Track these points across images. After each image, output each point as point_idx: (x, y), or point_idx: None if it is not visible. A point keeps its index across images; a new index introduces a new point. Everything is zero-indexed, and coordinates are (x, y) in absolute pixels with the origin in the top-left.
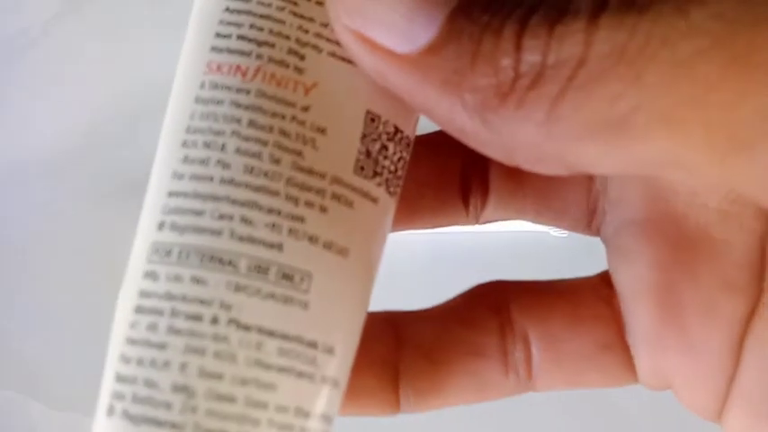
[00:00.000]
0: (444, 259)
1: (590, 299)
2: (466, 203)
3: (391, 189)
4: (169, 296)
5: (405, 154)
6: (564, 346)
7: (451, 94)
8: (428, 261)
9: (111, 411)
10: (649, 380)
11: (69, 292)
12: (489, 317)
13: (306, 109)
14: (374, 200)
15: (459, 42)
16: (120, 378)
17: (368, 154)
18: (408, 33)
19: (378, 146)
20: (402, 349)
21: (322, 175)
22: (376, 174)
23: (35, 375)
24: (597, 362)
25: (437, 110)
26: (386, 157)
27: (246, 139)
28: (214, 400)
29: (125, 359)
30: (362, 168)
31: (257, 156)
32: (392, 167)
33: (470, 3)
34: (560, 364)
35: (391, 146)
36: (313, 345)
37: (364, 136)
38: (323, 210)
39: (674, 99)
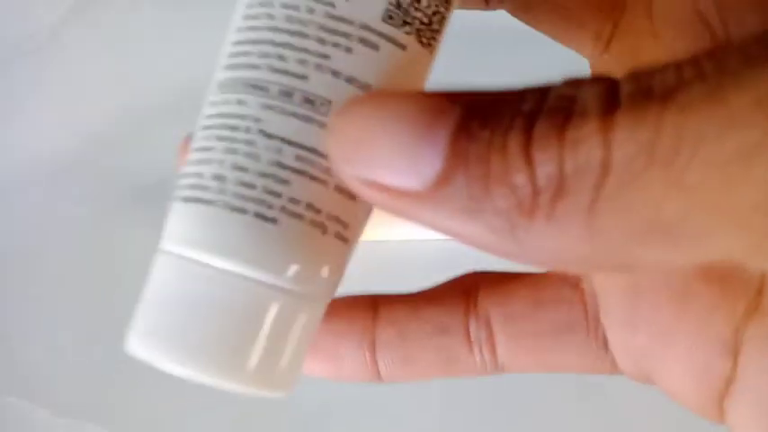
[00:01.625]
0: (447, 264)
1: (555, 283)
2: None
3: (423, 40)
4: (221, 114)
5: (441, 9)
6: (522, 326)
7: (475, 220)
8: (430, 265)
9: (175, 197)
10: (626, 366)
11: (72, 299)
12: (457, 299)
13: None
14: (402, 46)
15: (467, 168)
16: (183, 174)
17: (398, 5)
18: (414, 170)
19: None
20: (378, 326)
21: (351, 22)
22: (405, 23)
23: (38, 382)
24: (557, 341)
25: (466, 237)
26: (417, 9)
27: None
28: (239, 185)
29: (191, 162)
30: (391, 17)
31: (296, 7)
32: (425, 19)
33: (469, 118)
34: (519, 342)
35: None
36: (326, 158)
37: None
38: (348, 50)
39: (732, 203)
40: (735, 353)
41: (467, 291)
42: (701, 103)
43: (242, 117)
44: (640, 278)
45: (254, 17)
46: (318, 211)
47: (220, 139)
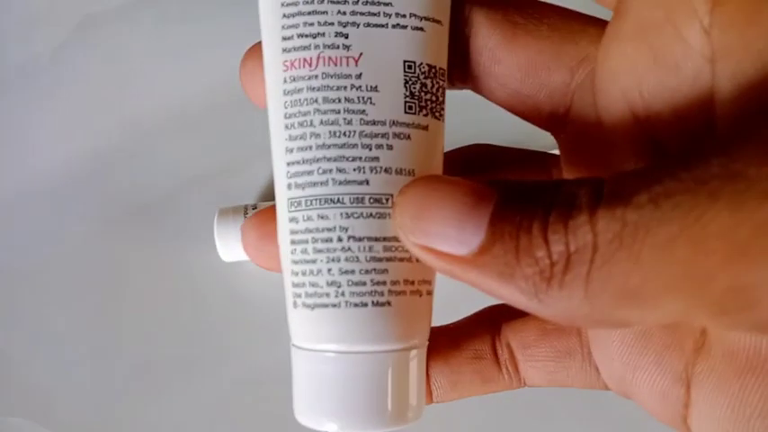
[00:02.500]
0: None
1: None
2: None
3: (437, 114)
4: (308, 231)
5: (441, 82)
6: (534, 352)
7: (508, 283)
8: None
9: (295, 304)
10: (612, 386)
11: (76, 318)
12: (485, 329)
13: (359, 76)
14: (425, 128)
15: (503, 242)
16: (295, 285)
17: (412, 95)
18: (462, 241)
19: (418, 86)
20: (430, 354)
21: (383, 123)
22: (422, 108)
23: (43, 402)
24: (560, 365)
25: (501, 295)
26: (426, 92)
27: (325, 112)
28: (353, 286)
29: (294, 273)
30: (410, 108)
31: (335, 122)
32: (433, 98)
33: (505, 204)
34: (533, 364)
35: (429, 82)
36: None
37: (406, 82)
38: (389, 147)
39: (667, 275)
40: (687, 383)
41: (492, 322)
42: (646, 205)
43: (330, 229)
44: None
45: (301, 137)
46: (413, 283)
47: (319, 251)
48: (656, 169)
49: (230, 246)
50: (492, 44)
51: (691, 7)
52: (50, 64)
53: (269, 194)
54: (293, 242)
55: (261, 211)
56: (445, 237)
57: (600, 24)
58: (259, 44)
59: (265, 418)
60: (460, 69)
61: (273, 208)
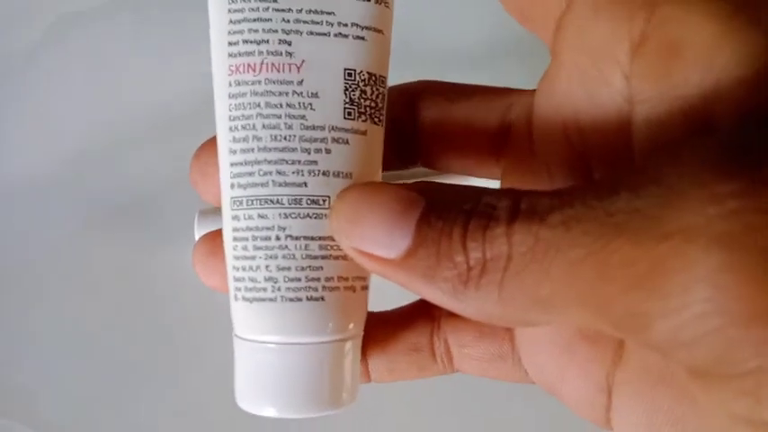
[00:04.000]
0: None
1: None
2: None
3: (376, 119)
4: (248, 228)
5: (381, 89)
6: (470, 351)
7: (431, 284)
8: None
9: (235, 297)
10: (543, 386)
11: (58, 318)
12: (424, 322)
13: (301, 83)
14: (363, 133)
15: (426, 246)
16: (236, 279)
17: (351, 101)
18: (391, 245)
19: (358, 93)
20: (367, 344)
21: (322, 128)
22: (361, 114)
23: (27, 402)
24: (492, 365)
25: (425, 295)
26: (366, 99)
27: (267, 116)
28: (289, 282)
29: (235, 268)
30: (350, 114)
31: (276, 126)
32: (373, 104)
33: (429, 210)
34: (468, 361)
35: (369, 89)
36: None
37: (346, 89)
38: (328, 151)
39: (573, 291)
40: (608, 391)
41: (431, 313)
42: (559, 226)
43: (269, 228)
44: (539, 335)
45: (244, 140)
46: (347, 279)
47: (258, 248)
48: (570, 193)
49: None
50: (436, 115)
51: (614, 57)
52: (26, 64)
53: None
54: (235, 239)
55: (212, 232)
56: (376, 241)
57: (521, 91)
58: (213, 139)
59: (243, 416)
60: (411, 152)
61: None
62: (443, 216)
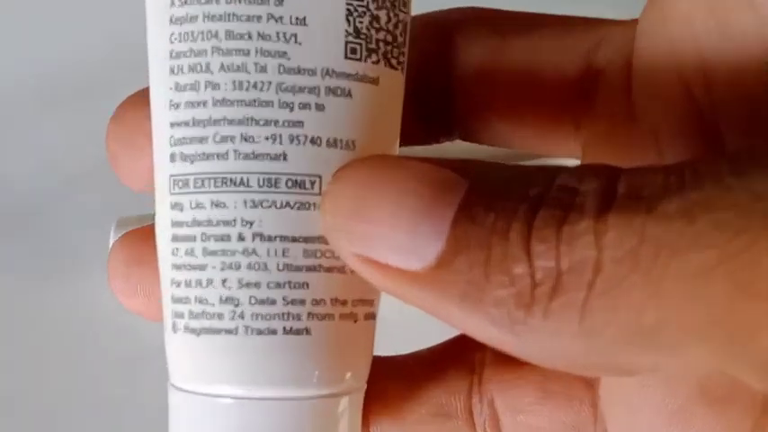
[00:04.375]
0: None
1: (567, 375)
2: None
3: (393, 61)
4: (196, 222)
5: (402, 15)
6: (528, 420)
7: (474, 309)
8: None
9: (175, 328)
10: None
11: None
12: (460, 375)
13: (280, 2)
14: (374, 81)
15: (468, 252)
16: (176, 299)
17: (357, 32)
18: (415, 250)
19: (367, 19)
20: (371, 404)
21: (312, 72)
22: (371, 51)
23: None
24: None
25: (464, 325)
26: (379, 29)
27: (227, 52)
28: (257, 305)
29: (175, 282)
30: (354, 51)
31: (242, 68)
32: (389, 37)
33: (474, 198)
34: None
35: (383, 14)
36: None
37: (349, 12)
38: (320, 108)
39: (697, 317)
40: None
41: (470, 365)
42: (677, 216)
43: (229, 223)
44: (640, 395)
45: (192, 88)
46: (344, 303)
47: (211, 253)
48: (695, 167)
49: None
50: (483, 59)
51: None
52: None
53: None
54: (175, 238)
55: (138, 229)
56: (392, 244)
57: (613, 23)
58: (142, 92)
59: None
60: (444, 115)
61: (152, 225)
62: (495, 206)
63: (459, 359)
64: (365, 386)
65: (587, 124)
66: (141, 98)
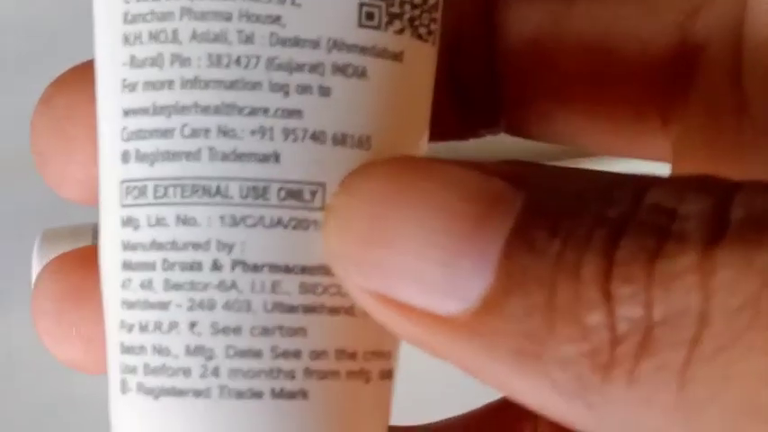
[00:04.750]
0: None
1: None
2: None
3: (422, 31)
4: (156, 245)
5: None
6: None
7: (531, 371)
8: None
9: (124, 388)
10: None
11: None
12: None
13: None
14: (396, 56)
15: (524, 292)
16: (126, 349)
17: None
18: (452, 287)
19: None
20: None
21: (314, 43)
22: (393, 17)
23: None
24: None
25: (518, 392)
26: None
27: (202, 16)
28: (237, 358)
29: (126, 326)
30: (370, 16)
31: (221, 37)
32: (415, 1)
33: (533, 218)
34: None
35: None
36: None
37: None
38: (324, 92)
39: None
40: None
41: (528, 421)
42: None
43: (198, 246)
44: None
45: (152, 62)
46: (354, 356)
47: (174, 287)
48: None
49: None
50: (537, 28)
51: None
52: None
53: None
54: (127, 266)
55: (75, 251)
56: (420, 279)
57: None
58: (82, 67)
59: None
60: (486, 102)
61: (94, 247)
62: (562, 229)
63: (505, 428)
64: None
65: (680, 118)
66: (80, 75)
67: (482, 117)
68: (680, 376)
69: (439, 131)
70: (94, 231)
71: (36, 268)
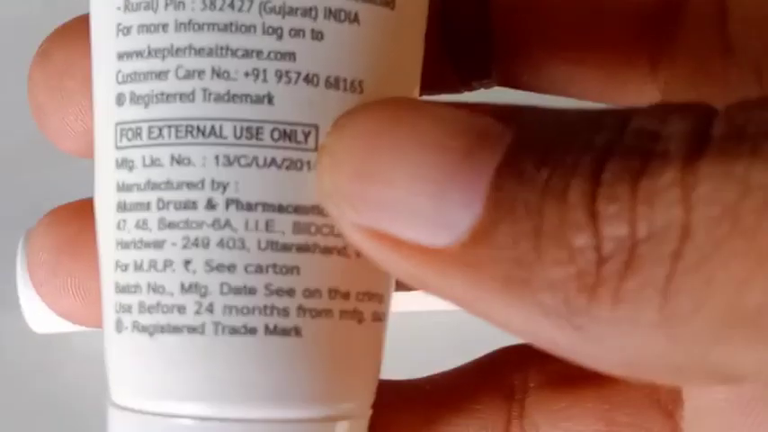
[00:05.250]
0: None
1: (637, 396)
2: None
3: None
4: (151, 185)
5: None
6: None
7: (521, 297)
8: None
9: (119, 326)
10: None
11: None
12: (496, 405)
13: None
14: (388, 2)
15: (512, 219)
16: (121, 288)
17: None
18: (442, 219)
19: None
20: None
21: None
22: None
23: None
24: None
25: (508, 321)
26: None
27: None
28: (231, 295)
29: (121, 266)
30: None
31: None
32: None
33: (522, 149)
34: None
35: None
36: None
37: None
38: (316, 36)
39: None
40: None
41: (508, 389)
42: None
43: (193, 185)
44: (741, 419)
45: (147, 5)
46: (347, 296)
47: (169, 225)
48: None
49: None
50: None
51: None
52: None
53: None
54: (122, 207)
55: (71, 204)
56: (411, 212)
57: None
58: (77, 21)
59: None
60: (478, 52)
61: (91, 199)
62: (549, 159)
63: (493, 382)
64: (370, 412)
65: (668, 62)
66: (76, 29)
67: (474, 69)
68: (663, 291)
69: (431, 84)
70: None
71: (21, 269)
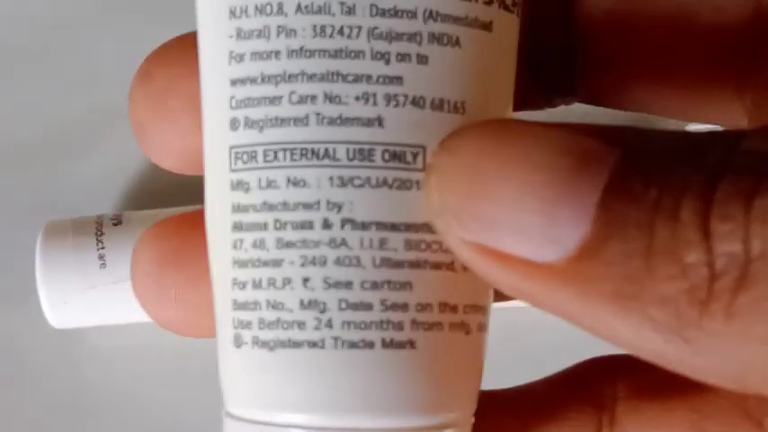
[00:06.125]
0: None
1: (728, 409)
2: None
3: (508, 2)
4: (268, 206)
5: None
6: None
7: (630, 310)
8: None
9: (238, 341)
10: None
11: None
12: (587, 414)
13: None
14: (486, 26)
15: (623, 236)
16: (240, 305)
17: None
18: (550, 235)
19: None
20: None
21: (411, 13)
22: None
23: None
24: None
25: (616, 334)
26: None
27: None
28: (349, 311)
29: (239, 284)
30: None
31: (325, 9)
32: None
33: (629, 170)
34: None
35: None
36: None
37: None
38: (422, 60)
39: None
40: None
41: (598, 399)
42: None
43: (309, 206)
44: None
45: (260, 33)
46: (455, 309)
47: (287, 245)
48: None
49: (68, 297)
50: (614, 1)
51: None
52: None
53: (148, 193)
54: (238, 227)
55: (174, 218)
56: (519, 228)
57: None
58: (183, 39)
59: None
60: (563, 72)
61: (193, 213)
62: (659, 178)
63: (584, 392)
64: (473, 420)
65: (754, 83)
66: (176, 49)
67: (557, 86)
68: None
69: (515, 101)
70: (97, 223)
71: (39, 261)
